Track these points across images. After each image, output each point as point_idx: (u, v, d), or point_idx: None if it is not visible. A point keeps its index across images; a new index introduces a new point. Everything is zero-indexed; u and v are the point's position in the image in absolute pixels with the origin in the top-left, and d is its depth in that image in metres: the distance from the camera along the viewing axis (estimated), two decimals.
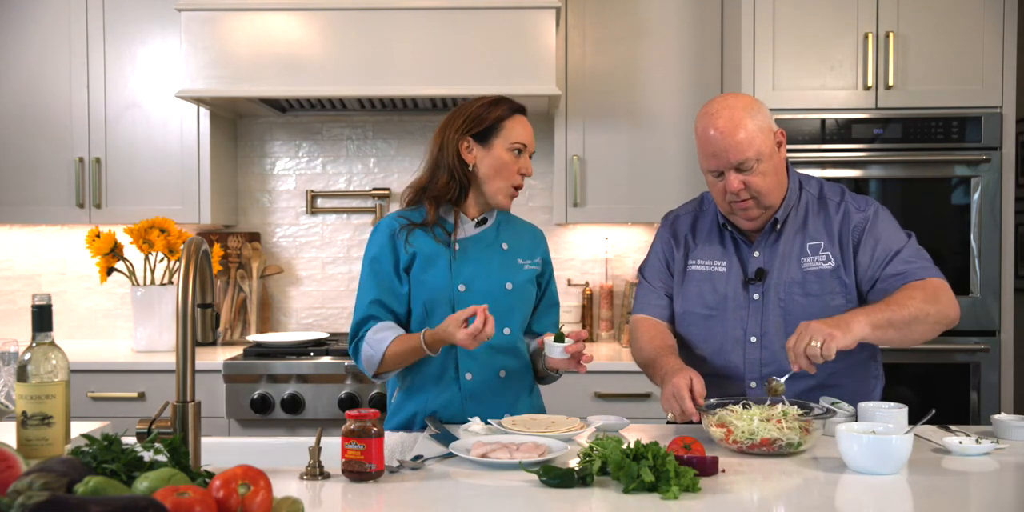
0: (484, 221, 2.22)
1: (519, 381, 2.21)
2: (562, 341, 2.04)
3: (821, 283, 2.08)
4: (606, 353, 3.42)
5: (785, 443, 1.78)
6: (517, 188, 2.19)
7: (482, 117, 2.16)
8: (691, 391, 1.89)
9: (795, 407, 1.88)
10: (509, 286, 2.18)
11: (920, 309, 1.92)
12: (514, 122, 2.17)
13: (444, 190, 2.17)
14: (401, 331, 2.13)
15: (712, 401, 1.95)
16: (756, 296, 2.12)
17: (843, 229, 2.10)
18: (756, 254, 2.14)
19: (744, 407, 1.89)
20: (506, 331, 2.17)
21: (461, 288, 2.14)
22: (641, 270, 2.32)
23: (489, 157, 2.15)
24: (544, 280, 2.31)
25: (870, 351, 2.16)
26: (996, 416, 1.97)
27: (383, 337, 2.10)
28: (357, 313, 2.17)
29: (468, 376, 2.14)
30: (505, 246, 2.23)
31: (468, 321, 1.95)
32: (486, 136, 2.16)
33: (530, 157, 2.21)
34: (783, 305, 2.09)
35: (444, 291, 2.13)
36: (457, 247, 2.17)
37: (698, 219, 2.24)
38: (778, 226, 2.12)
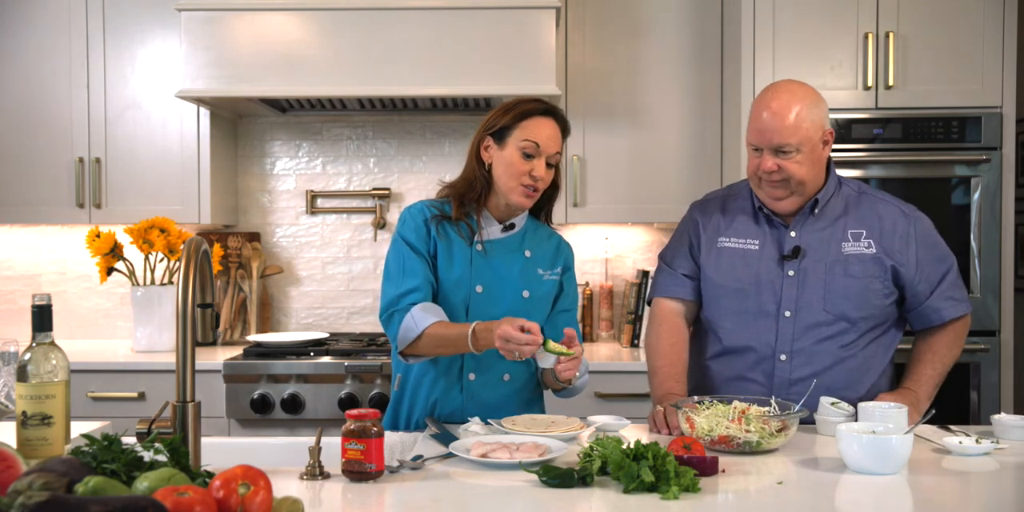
0: (512, 226, 2.18)
1: (523, 388, 2.19)
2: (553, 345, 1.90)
3: (863, 266, 2.14)
4: (606, 353, 3.42)
5: (743, 441, 1.79)
6: (531, 188, 2.08)
7: (503, 114, 2.09)
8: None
9: (760, 406, 1.91)
10: (526, 294, 2.14)
11: (953, 358, 2.21)
12: (533, 122, 2.07)
13: (466, 188, 2.13)
14: (447, 320, 2.05)
15: (695, 398, 1.99)
16: (791, 272, 2.15)
17: (887, 227, 2.17)
18: (793, 234, 2.18)
19: (723, 404, 1.91)
20: None
21: (479, 289, 2.11)
22: (661, 255, 2.35)
23: (502, 157, 2.08)
24: (558, 288, 2.23)
25: (890, 356, 2.23)
26: (996, 416, 1.97)
27: (427, 317, 2.01)
28: (402, 284, 2.06)
29: (471, 376, 2.13)
30: (528, 254, 2.18)
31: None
32: (502, 135, 2.08)
33: (552, 164, 2.08)
34: (824, 282, 2.13)
35: (461, 290, 2.10)
36: (480, 247, 2.13)
37: (728, 201, 2.29)
38: (816, 209, 2.17)
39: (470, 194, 2.13)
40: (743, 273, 2.18)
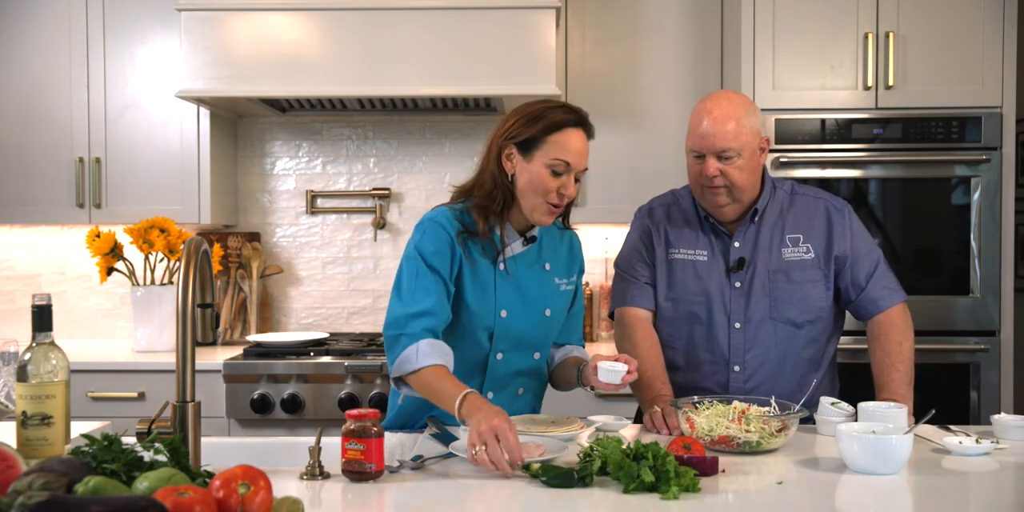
0: (533, 238, 2.06)
1: (532, 396, 2.20)
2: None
3: (803, 271, 2.18)
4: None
5: (743, 441, 1.79)
6: (555, 206, 1.96)
7: (531, 123, 1.94)
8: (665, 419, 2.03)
9: (760, 406, 1.91)
10: (548, 312, 2.09)
11: (911, 349, 2.18)
12: (564, 136, 1.93)
13: (488, 199, 1.98)
14: (451, 367, 1.90)
15: (694, 398, 1.99)
16: (738, 284, 2.19)
17: (820, 226, 2.21)
18: (736, 244, 2.21)
19: (722, 404, 1.91)
20: (536, 356, 2.11)
21: (503, 314, 2.02)
22: (617, 263, 2.34)
23: (527, 171, 1.94)
24: (573, 295, 2.19)
25: (830, 355, 2.27)
26: (996, 416, 1.97)
27: (431, 356, 1.86)
28: (413, 303, 1.92)
29: (490, 395, 2.08)
30: (547, 266, 2.10)
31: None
32: (529, 147, 1.94)
33: (579, 177, 1.97)
34: (769, 292, 2.18)
35: (486, 316, 2.01)
36: (503, 266, 2.02)
37: (672, 211, 2.31)
38: (756, 217, 2.21)
39: (492, 206, 1.99)
40: (695, 287, 2.21)
